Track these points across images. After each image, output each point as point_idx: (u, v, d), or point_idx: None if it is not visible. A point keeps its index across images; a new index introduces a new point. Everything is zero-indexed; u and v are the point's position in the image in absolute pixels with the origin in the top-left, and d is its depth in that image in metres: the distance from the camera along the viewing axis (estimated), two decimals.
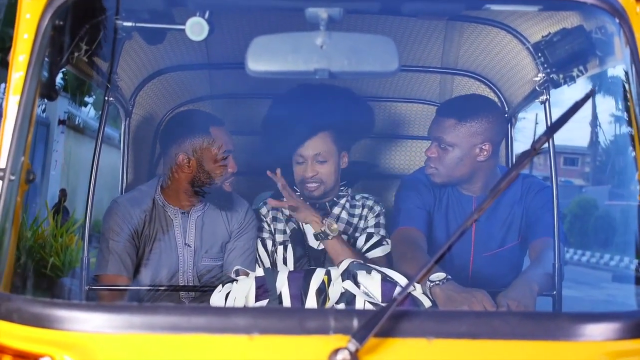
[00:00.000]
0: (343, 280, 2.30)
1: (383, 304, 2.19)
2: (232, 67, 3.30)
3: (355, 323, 1.52)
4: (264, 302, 2.32)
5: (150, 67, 3.24)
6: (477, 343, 1.56)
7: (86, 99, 12.75)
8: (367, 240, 2.93)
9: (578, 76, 2.41)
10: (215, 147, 2.78)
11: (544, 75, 2.53)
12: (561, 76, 2.46)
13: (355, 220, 2.98)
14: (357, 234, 2.96)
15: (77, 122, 12.04)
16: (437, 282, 2.26)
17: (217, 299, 2.34)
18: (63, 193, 9.42)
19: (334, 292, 2.29)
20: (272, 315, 1.58)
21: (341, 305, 2.25)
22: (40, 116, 10.03)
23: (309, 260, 2.87)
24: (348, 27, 2.73)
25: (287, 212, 2.99)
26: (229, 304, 2.31)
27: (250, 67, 1.68)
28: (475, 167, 2.74)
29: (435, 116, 2.81)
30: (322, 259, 2.85)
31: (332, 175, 2.89)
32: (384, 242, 2.90)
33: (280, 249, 2.91)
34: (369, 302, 2.23)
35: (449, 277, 2.27)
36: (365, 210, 3.01)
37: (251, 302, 2.32)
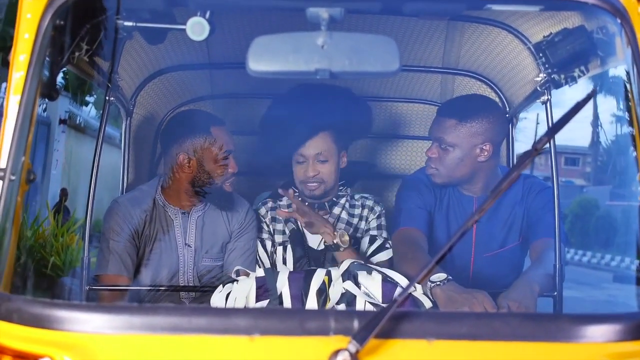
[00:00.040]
0: (344, 281, 2.30)
1: (383, 305, 2.19)
2: (233, 67, 3.30)
3: (356, 324, 1.51)
4: (264, 303, 2.32)
5: (151, 66, 3.24)
6: (477, 344, 1.55)
7: (87, 98, 12.75)
8: (370, 243, 2.93)
9: (579, 76, 2.41)
10: (216, 147, 2.78)
11: (545, 75, 2.53)
12: (562, 76, 2.46)
13: (355, 220, 2.98)
14: (357, 235, 2.96)
15: (78, 122, 12.04)
16: (438, 283, 2.25)
17: (217, 299, 2.34)
18: (64, 192, 9.43)
19: (335, 293, 2.29)
20: (272, 316, 1.58)
21: (342, 306, 2.24)
22: (41, 115, 10.03)
23: (308, 260, 2.86)
24: (349, 27, 2.74)
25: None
26: (230, 304, 2.31)
27: (251, 67, 1.68)
28: (476, 167, 2.73)
29: (436, 116, 2.81)
30: (322, 259, 2.85)
31: (332, 174, 2.89)
32: (387, 245, 2.90)
33: (279, 249, 2.91)
34: (369, 302, 2.23)
35: (450, 277, 2.27)
36: (366, 210, 3.01)
37: (252, 303, 2.32)
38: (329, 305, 2.27)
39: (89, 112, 12.95)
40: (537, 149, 1.68)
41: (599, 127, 32.27)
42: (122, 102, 3.11)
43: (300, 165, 2.88)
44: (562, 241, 2.52)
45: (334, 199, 2.99)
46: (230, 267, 2.78)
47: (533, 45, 2.66)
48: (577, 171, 35.80)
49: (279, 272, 2.38)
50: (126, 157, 3.31)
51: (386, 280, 2.30)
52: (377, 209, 3.01)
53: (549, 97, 2.61)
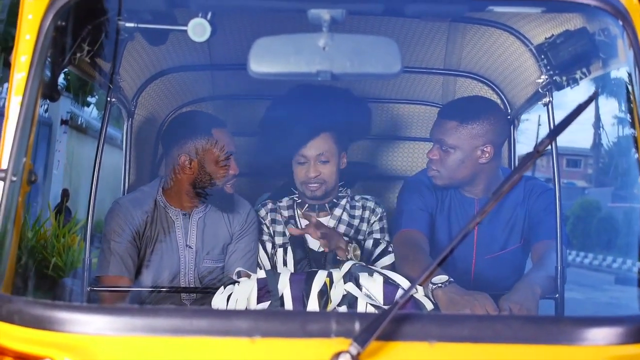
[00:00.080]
0: (345, 283, 2.30)
1: (385, 307, 2.19)
2: (234, 68, 3.30)
3: (357, 326, 1.51)
4: (265, 304, 2.31)
5: (153, 67, 3.24)
6: (479, 347, 1.55)
7: (89, 99, 12.75)
8: (374, 247, 2.92)
9: (581, 78, 2.41)
10: (217, 148, 2.78)
11: (546, 77, 2.53)
12: (564, 78, 2.46)
13: (356, 222, 2.98)
14: (359, 237, 2.95)
15: (79, 122, 12.04)
16: (440, 285, 2.25)
17: (218, 300, 2.34)
18: (65, 193, 9.43)
19: (336, 295, 2.28)
20: (273, 318, 1.57)
21: (343, 308, 2.24)
22: (43, 116, 10.03)
23: (309, 262, 2.86)
24: (351, 28, 2.74)
25: (285, 214, 2.98)
26: (231, 305, 2.30)
27: (253, 69, 1.67)
28: (477, 169, 2.73)
29: (437, 118, 2.80)
30: (323, 261, 2.84)
31: (333, 175, 2.89)
32: (390, 249, 2.90)
33: (280, 251, 2.91)
34: (370, 304, 2.22)
35: (452, 279, 2.27)
36: (367, 212, 3.00)
37: (253, 304, 2.31)
38: (330, 307, 2.26)
39: (91, 113, 12.95)
40: (538, 151, 1.67)
41: (601, 129, 32.25)
42: (123, 103, 3.11)
43: (301, 166, 2.88)
44: (564, 243, 2.51)
45: (334, 200, 2.98)
46: (231, 268, 2.77)
47: (535, 47, 2.66)
48: (578, 173, 35.75)
49: (280, 273, 2.38)
50: (128, 158, 3.31)
51: (387, 282, 2.29)
52: (379, 210, 3.01)
53: (551, 98, 2.61)
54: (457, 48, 3.21)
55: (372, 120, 3.36)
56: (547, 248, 2.61)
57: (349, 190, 3.06)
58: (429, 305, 2.26)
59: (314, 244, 2.90)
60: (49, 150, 10.61)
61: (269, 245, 2.94)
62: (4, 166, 1.69)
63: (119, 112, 3.23)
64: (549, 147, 1.94)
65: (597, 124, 31.45)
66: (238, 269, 2.55)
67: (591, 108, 1.72)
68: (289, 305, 2.29)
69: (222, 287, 2.38)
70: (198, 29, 1.86)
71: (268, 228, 2.96)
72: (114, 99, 2.73)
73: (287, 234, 2.93)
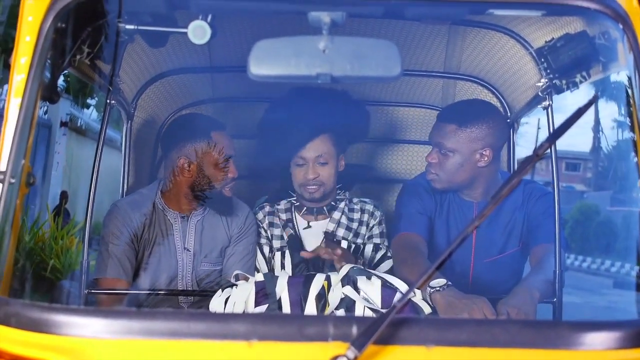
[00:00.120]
0: (343, 286, 2.29)
1: (383, 310, 2.18)
2: (234, 71, 3.30)
3: (355, 330, 1.51)
4: (263, 307, 2.31)
5: (153, 70, 3.24)
6: (476, 351, 1.55)
7: (88, 101, 12.74)
8: (374, 251, 2.92)
9: (581, 82, 2.41)
10: (216, 152, 2.78)
11: (546, 80, 2.53)
12: (564, 82, 2.46)
13: (354, 225, 2.97)
14: (358, 240, 2.95)
15: (79, 124, 12.03)
16: (438, 289, 2.25)
17: (216, 303, 2.33)
18: (64, 195, 9.42)
19: (334, 298, 2.28)
20: (271, 322, 1.57)
21: (341, 311, 2.23)
22: (42, 118, 10.03)
23: (307, 265, 2.86)
24: (351, 31, 2.73)
25: (283, 217, 2.97)
26: (229, 308, 2.30)
27: (253, 71, 1.67)
28: (476, 172, 2.73)
29: (436, 122, 2.80)
30: (321, 264, 2.84)
31: (332, 177, 2.89)
32: (389, 254, 2.89)
33: (277, 255, 2.90)
34: (368, 308, 2.22)
35: (450, 283, 2.26)
36: (366, 215, 3.00)
37: (251, 307, 2.31)
38: (328, 310, 2.26)
39: (90, 115, 12.94)
40: (538, 155, 1.67)
41: (600, 133, 32.27)
42: (123, 105, 3.10)
43: (299, 167, 2.88)
44: (562, 247, 2.51)
45: (332, 202, 2.98)
46: (229, 271, 2.77)
47: (535, 50, 2.66)
48: (578, 176, 35.76)
49: (278, 276, 2.37)
50: (127, 160, 3.31)
51: (385, 285, 2.29)
52: (377, 214, 3.00)
53: (551, 102, 2.61)
54: (457, 51, 3.21)
55: (372, 123, 3.36)
56: (545, 252, 2.61)
57: (347, 193, 3.06)
58: (427, 309, 2.26)
59: (311, 247, 2.90)
60: (48, 152, 10.60)
61: (266, 249, 2.93)
62: (3, 168, 1.69)
63: (118, 114, 3.22)
64: (548, 150, 1.94)
65: (597, 127, 31.46)
66: (236, 271, 2.55)
67: (591, 111, 1.72)
68: (286, 308, 2.28)
69: (220, 290, 2.38)
70: (198, 32, 1.86)
71: (266, 231, 2.96)
72: (113, 101, 2.73)
73: (285, 237, 2.93)
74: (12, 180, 1.69)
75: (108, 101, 2.70)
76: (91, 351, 1.51)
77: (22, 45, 1.77)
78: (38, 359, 1.51)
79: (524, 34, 2.79)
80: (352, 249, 2.89)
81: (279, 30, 1.89)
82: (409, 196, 2.86)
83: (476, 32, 2.99)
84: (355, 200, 3.04)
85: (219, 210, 2.87)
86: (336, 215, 2.96)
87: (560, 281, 2.47)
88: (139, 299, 2.70)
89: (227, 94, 3.70)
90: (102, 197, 2.82)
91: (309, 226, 2.97)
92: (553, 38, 2.42)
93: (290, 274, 2.77)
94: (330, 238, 2.90)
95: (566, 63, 2.36)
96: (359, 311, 2.22)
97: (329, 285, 2.31)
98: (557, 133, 1.78)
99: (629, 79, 1.85)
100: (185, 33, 1.87)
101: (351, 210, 3.00)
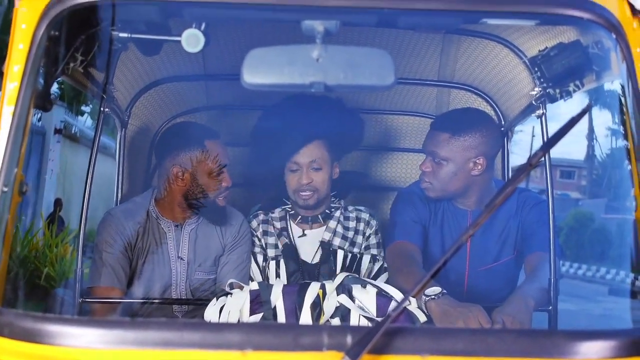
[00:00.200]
0: (338, 295, 2.29)
1: (378, 319, 2.18)
2: (228, 79, 3.29)
3: (349, 340, 1.50)
4: (258, 316, 2.30)
5: (147, 78, 3.23)
6: None
7: (83, 108, 12.74)
8: (372, 263, 2.91)
9: (574, 91, 2.42)
10: (210, 161, 2.77)
11: (540, 89, 2.53)
12: (557, 91, 2.46)
13: (350, 234, 2.96)
14: (354, 250, 2.93)
15: (73, 132, 12.02)
16: (433, 297, 2.24)
17: (211, 312, 2.33)
18: (58, 203, 9.40)
19: (329, 306, 2.27)
20: (265, 331, 1.57)
21: (336, 320, 2.23)
22: (36, 125, 10.02)
23: (302, 274, 2.85)
24: (345, 40, 2.74)
25: (278, 225, 2.97)
26: (223, 317, 2.29)
27: (246, 80, 1.67)
28: (470, 181, 2.73)
29: (429, 130, 2.81)
30: (316, 272, 2.83)
31: (325, 183, 2.88)
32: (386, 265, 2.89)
33: (272, 263, 2.89)
34: (363, 316, 2.22)
35: (445, 291, 2.26)
36: (362, 224, 2.98)
37: (245, 316, 2.30)
38: (323, 319, 2.25)
39: (85, 122, 12.94)
40: (531, 164, 1.67)
41: (595, 141, 32.41)
42: (117, 113, 3.10)
43: (293, 173, 2.87)
44: (557, 255, 2.51)
45: (327, 210, 2.97)
46: (223, 280, 2.76)
47: (528, 59, 2.67)
48: (572, 184, 35.87)
49: (272, 285, 2.37)
50: (121, 168, 3.30)
51: (380, 294, 2.29)
52: (373, 222, 3.00)
53: (544, 111, 2.62)
54: (451, 60, 3.21)
55: (366, 131, 3.36)
56: (540, 260, 2.61)
57: (342, 201, 3.05)
58: (422, 317, 2.26)
59: (306, 255, 2.90)
60: (42, 160, 10.59)
61: (260, 258, 2.92)
62: None
63: (113, 121, 3.22)
64: (542, 159, 1.94)
65: (591, 135, 31.61)
66: (230, 280, 2.54)
67: (585, 120, 1.72)
68: (281, 317, 2.28)
69: (215, 298, 2.37)
70: (192, 40, 1.86)
71: (260, 240, 2.94)
72: (107, 109, 2.72)
73: (280, 246, 2.92)
74: (5, 189, 1.69)
75: (102, 109, 2.70)
76: None
77: (15, 53, 1.76)
78: None
79: (518, 43, 2.79)
80: (348, 259, 2.89)
81: (272, 38, 1.89)
82: (404, 204, 2.86)
83: (470, 41, 2.99)
84: (350, 208, 3.03)
85: (212, 219, 2.86)
86: (332, 224, 2.95)
87: (555, 289, 2.47)
88: (133, 307, 2.69)
89: (221, 102, 3.70)
90: (96, 205, 2.81)
91: (304, 234, 2.96)
92: (547, 47, 2.42)
93: (286, 282, 2.76)
94: (326, 248, 2.90)
95: (560, 72, 2.36)
96: (354, 320, 2.21)
97: (324, 293, 2.30)
98: (550, 142, 1.78)
99: (622, 87, 1.85)
100: (179, 41, 1.86)
101: (346, 218, 2.99)
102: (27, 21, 1.77)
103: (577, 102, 2.42)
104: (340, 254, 2.88)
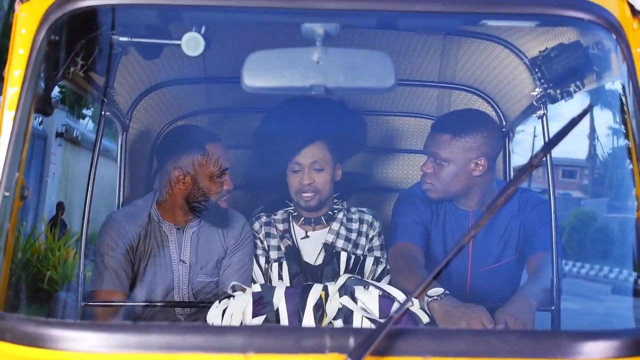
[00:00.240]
0: (340, 296, 2.28)
1: (381, 320, 2.18)
2: (228, 82, 3.30)
3: (352, 342, 1.50)
4: (261, 318, 2.30)
5: (147, 81, 3.24)
6: None
7: (84, 111, 12.75)
8: (375, 265, 2.90)
9: (575, 91, 2.42)
10: (211, 164, 2.77)
11: (541, 90, 2.53)
12: (558, 91, 2.46)
13: (353, 235, 2.96)
14: (357, 252, 2.93)
15: (75, 135, 12.04)
16: (435, 298, 2.24)
17: (214, 315, 2.33)
18: (60, 206, 9.41)
19: (332, 308, 2.27)
20: (267, 334, 1.57)
21: (339, 322, 2.23)
22: (38, 129, 10.03)
23: (305, 276, 2.84)
24: (345, 42, 2.74)
25: (281, 227, 2.97)
26: (226, 320, 2.29)
27: (246, 83, 1.67)
28: (471, 182, 2.73)
29: (430, 132, 2.80)
30: (319, 274, 2.83)
31: (327, 184, 2.88)
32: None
33: (275, 266, 2.89)
34: (366, 318, 2.22)
35: (447, 292, 2.26)
36: (365, 226, 2.98)
37: (248, 318, 2.30)
38: (325, 321, 2.25)
39: (86, 126, 12.95)
40: (532, 165, 1.67)
41: (596, 140, 32.41)
42: (118, 117, 3.10)
43: (295, 174, 2.87)
44: (559, 255, 2.51)
45: (329, 212, 2.97)
46: (225, 282, 2.77)
47: (529, 60, 2.66)
48: (574, 184, 35.84)
49: (275, 287, 2.37)
50: (122, 171, 3.31)
51: (383, 295, 2.29)
52: (377, 224, 2.99)
53: (545, 111, 2.62)
54: (451, 61, 3.21)
55: (368, 133, 3.36)
56: (542, 260, 2.61)
57: (345, 203, 3.05)
58: (424, 318, 2.25)
59: (309, 257, 2.89)
60: (44, 163, 10.60)
61: (262, 260, 2.92)
62: None
63: (114, 124, 3.22)
64: (544, 159, 1.94)
65: (592, 135, 31.60)
66: (233, 282, 2.54)
67: (586, 119, 1.72)
68: (284, 319, 2.28)
69: (217, 301, 2.37)
70: (192, 43, 1.86)
71: (262, 242, 2.94)
72: (108, 113, 2.73)
73: (283, 247, 2.91)
74: (6, 194, 1.69)
75: (103, 113, 2.70)
76: None
77: (15, 58, 1.76)
78: None
79: (518, 44, 2.79)
80: (351, 261, 2.89)
81: (272, 41, 1.89)
82: (405, 206, 2.86)
83: (470, 42, 2.99)
84: (353, 210, 3.03)
85: (214, 222, 2.86)
86: (335, 226, 2.95)
87: (558, 289, 2.47)
88: (136, 311, 2.69)
89: (222, 105, 3.70)
90: (98, 208, 2.81)
91: (306, 236, 2.96)
92: (547, 48, 2.42)
93: (289, 284, 2.76)
94: (329, 250, 2.89)
95: (560, 73, 2.37)
96: (356, 321, 2.21)
97: (327, 295, 2.30)
98: (551, 143, 1.78)
99: (623, 87, 1.85)
100: (179, 45, 1.87)
101: (349, 220, 2.99)
102: (27, 26, 1.77)
103: (578, 102, 2.42)
104: (343, 256, 2.88)
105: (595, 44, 2.14)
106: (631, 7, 1.84)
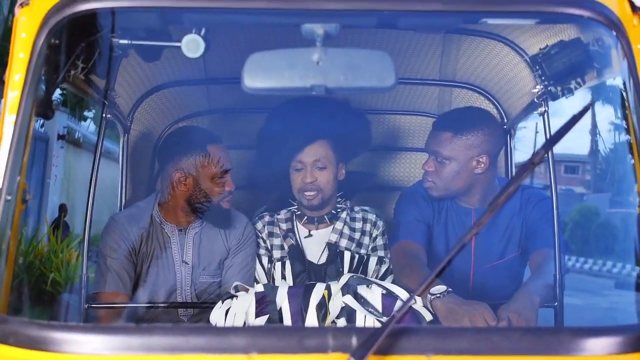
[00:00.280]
0: (343, 295, 2.29)
1: (383, 318, 2.18)
2: (229, 83, 3.30)
3: (354, 341, 1.50)
4: (264, 318, 2.31)
5: (148, 83, 3.24)
6: (477, 359, 1.54)
7: (85, 113, 12.77)
8: (378, 264, 2.90)
9: (576, 88, 2.42)
10: (212, 165, 2.77)
11: (542, 87, 2.53)
12: (559, 88, 2.47)
13: (357, 235, 2.95)
14: (361, 251, 2.93)
15: (76, 137, 12.06)
16: (438, 295, 2.25)
17: (217, 315, 2.33)
18: (63, 208, 9.42)
19: (334, 307, 2.28)
20: (270, 334, 1.57)
21: (341, 320, 2.23)
22: (39, 131, 10.04)
23: (308, 275, 2.85)
24: (345, 41, 2.74)
25: (284, 227, 2.97)
26: (229, 320, 2.29)
27: (247, 84, 1.67)
28: (473, 179, 2.73)
29: (432, 130, 2.80)
30: (323, 273, 2.83)
31: (330, 183, 2.88)
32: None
33: (278, 265, 2.89)
34: (369, 316, 2.22)
35: (450, 289, 2.26)
36: (368, 225, 2.98)
37: (251, 318, 2.30)
38: (328, 320, 2.26)
39: (88, 128, 12.97)
40: (534, 163, 1.67)
41: (598, 136, 32.42)
42: (119, 119, 3.10)
43: (298, 172, 2.87)
44: (562, 251, 2.51)
45: (333, 211, 2.97)
46: (228, 283, 2.77)
47: (530, 57, 2.66)
48: (576, 179, 35.85)
49: (278, 287, 2.37)
50: (124, 173, 3.31)
51: (386, 293, 2.29)
52: (380, 223, 2.99)
53: (547, 108, 2.62)
54: (452, 59, 3.21)
55: (370, 132, 3.36)
56: (545, 256, 2.61)
57: (348, 202, 3.05)
58: (427, 316, 2.26)
59: (312, 256, 2.89)
60: (45, 166, 10.61)
61: (265, 260, 2.92)
62: None
63: (116, 126, 3.23)
64: (546, 156, 1.94)
65: (594, 131, 31.61)
66: (236, 283, 2.54)
67: (588, 116, 1.72)
68: (287, 318, 2.28)
69: (220, 301, 2.38)
70: (192, 45, 1.86)
71: (265, 242, 2.94)
72: (109, 115, 2.73)
73: (286, 247, 2.91)
74: (8, 198, 1.69)
75: (104, 115, 2.70)
76: None
77: (15, 62, 1.76)
78: None
79: (519, 42, 2.79)
80: (355, 260, 2.89)
81: (272, 42, 1.89)
82: (407, 204, 2.86)
83: (471, 40, 2.99)
84: (356, 209, 3.03)
85: (216, 223, 2.86)
86: (338, 225, 2.95)
87: (560, 285, 2.47)
88: (139, 312, 2.69)
89: (223, 106, 3.70)
90: (101, 210, 2.82)
91: (310, 235, 2.95)
92: (547, 45, 2.42)
93: (292, 284, 2.77)
94: (333, 249, 2.90)
95: (561, 70, 2.37)
96: (359, 320, 2.22)
97: (329, 294, 2.31)
98: (552, 140, 1.78)
99: (624, 84, 1.85)
100: (179, 47, 1.87)
101: (353, 219, 2.99)
102: (27, 30, 1.77)
103: (578, 99, 2.42)
104: (347, 255, 2.88)
105: (596, 40, 2.14)
106: (631, 3, 1.84)
